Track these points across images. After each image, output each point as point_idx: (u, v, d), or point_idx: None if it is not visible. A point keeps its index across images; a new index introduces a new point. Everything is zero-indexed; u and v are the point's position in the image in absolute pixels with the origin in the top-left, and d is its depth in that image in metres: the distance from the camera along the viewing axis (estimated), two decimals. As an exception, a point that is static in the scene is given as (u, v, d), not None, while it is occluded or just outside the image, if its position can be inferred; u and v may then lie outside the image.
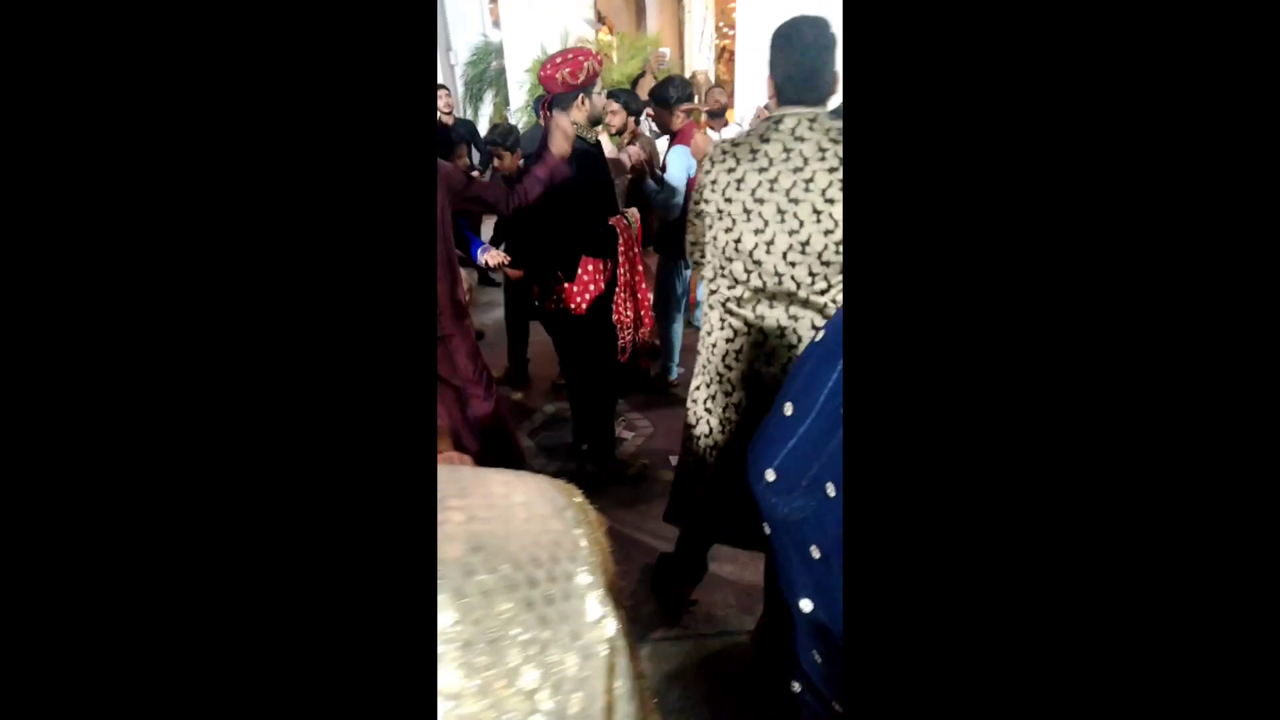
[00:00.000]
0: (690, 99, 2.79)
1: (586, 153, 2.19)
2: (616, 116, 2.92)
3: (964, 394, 0.35)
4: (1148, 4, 0.31)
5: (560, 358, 2.42)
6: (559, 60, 2.16)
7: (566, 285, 2.23)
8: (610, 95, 2.91)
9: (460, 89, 5.84)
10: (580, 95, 2.17)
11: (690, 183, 2.60)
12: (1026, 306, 0.33)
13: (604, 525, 0.44)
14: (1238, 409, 0.29)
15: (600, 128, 2.39)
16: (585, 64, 2.13)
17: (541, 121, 2.29)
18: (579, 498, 0.44)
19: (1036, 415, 0.33)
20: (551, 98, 2.21)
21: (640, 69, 4.86)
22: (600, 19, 11.33)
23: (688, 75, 6.69)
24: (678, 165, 2.62)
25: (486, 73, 5.55)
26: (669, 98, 2.74)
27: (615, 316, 2.25)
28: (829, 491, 0.70)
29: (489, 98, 5.36)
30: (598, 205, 2.21)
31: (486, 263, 2.33)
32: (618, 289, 2.24)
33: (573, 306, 2.26)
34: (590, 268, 2.21)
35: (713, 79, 6.19)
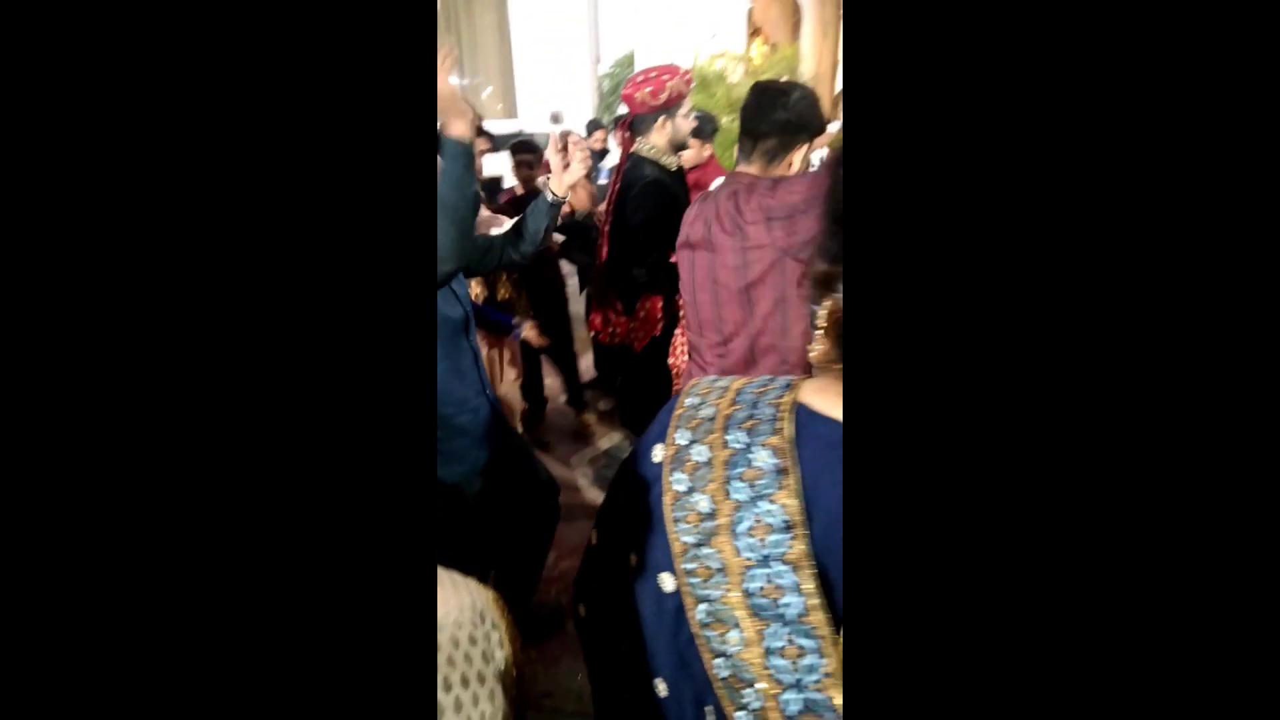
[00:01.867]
0: (709, 134, 2.79)
1: (659, 181, 2.01)
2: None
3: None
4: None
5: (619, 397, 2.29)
6: (640, 79, 2.00)
7: (624, 320, 2.07)
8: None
9: (597, 101, 5.87)
10: (662, 117, 2.00)
11: None
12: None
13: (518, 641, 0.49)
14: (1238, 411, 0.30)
15: (684, 153, 2.20)
16: (669, 83, 1.96)
17: (619, 144, 2.14)
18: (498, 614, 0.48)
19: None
20: (632, 118, 2.06)
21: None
22: (755, 30, 11.11)
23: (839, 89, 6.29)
24: None
25: (620, 86, 5.55)
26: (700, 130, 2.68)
27: (671, 359, 2.05)
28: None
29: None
30: (665, 238, 2.02)
31: (525, 338, 2.21)
32: (676, 330, 2.04)
33: (633, 344, 2.09)
34: (649, 305, 2.03)
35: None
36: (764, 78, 4.88)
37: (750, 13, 10.44)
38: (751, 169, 1.39)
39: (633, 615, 0.53)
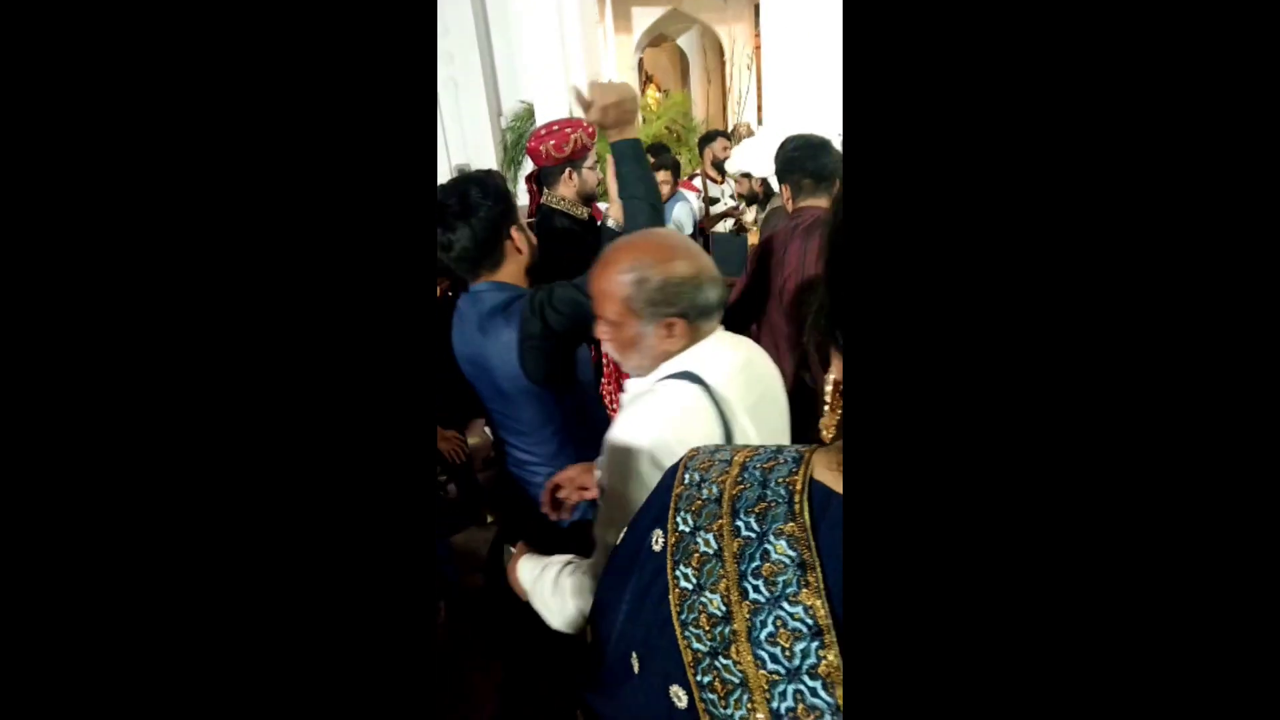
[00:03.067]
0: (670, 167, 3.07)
1: (571, 231, 2.00)
2: (665, 185, 2.89)
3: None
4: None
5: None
6: (544, 132, 1.99)
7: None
8: (658, 164, 2.90)
9: (500, 154, 5.86)
10: (568, 169, 2.00)
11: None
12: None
13: None
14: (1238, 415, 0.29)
15: (599, 203, 2.20)
16: (573, 136, 1.96)
17: (527, 198, 2.12)
18: None
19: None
20: (538, 171, 2.05)
21: (663, 130, 4.74)
22: (649, 78, 11.59)
23: (729, 130, 6.60)
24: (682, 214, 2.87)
25: (524, 139, 5.58)
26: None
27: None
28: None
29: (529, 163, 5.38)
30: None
31: None
32: (603, 379, 2.00)
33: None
34: (573, 356, 1.99)
35: (755, 133, 6.06)
36: (658, 123, 5.07)
37: (641, 62, 10.89)
38: (820, 202, 1.75)
39: None
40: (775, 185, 2.95)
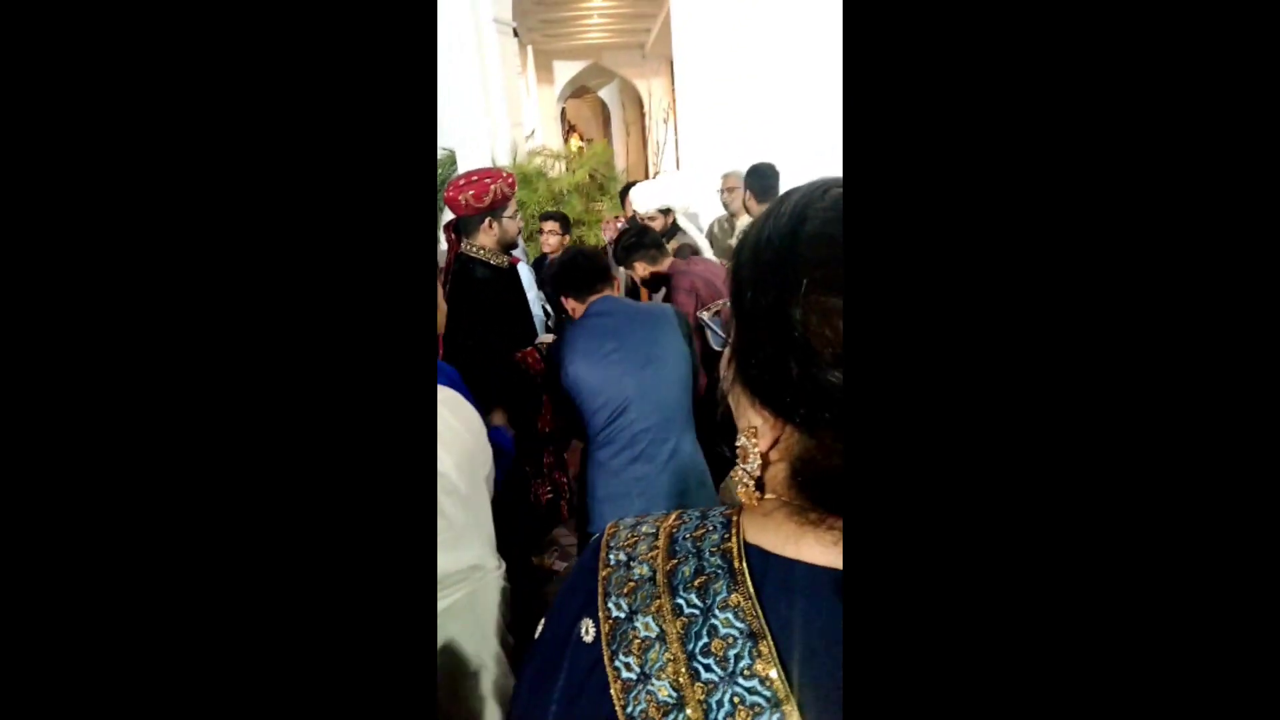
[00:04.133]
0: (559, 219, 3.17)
1: (489, 281, 1.97)
2: (552, 236, 2.86)
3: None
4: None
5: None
6: (463, 181, 1.98)
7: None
8: (544, 217, 2.87)
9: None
10: (487, 219, 1.98)
11: None
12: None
13: None
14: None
15: (516, 252, 2.20)
16: (492, 186, 1.96)
17: (445, 245, 2.09)
18: None
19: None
20: (457, 221, 2.02)
21: (585, 178, 4.84)
22: (571, 127, 11.85)
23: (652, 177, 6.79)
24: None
25: (444, 186, 5.53)
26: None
27: (526, 465, 1.96)
28: None
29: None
30: (502, 337, 1.96)
31: None
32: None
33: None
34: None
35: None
36: (581, 172, 5.16)
37: (564, 112, 11.14)
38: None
39: None
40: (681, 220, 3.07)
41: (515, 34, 6.47)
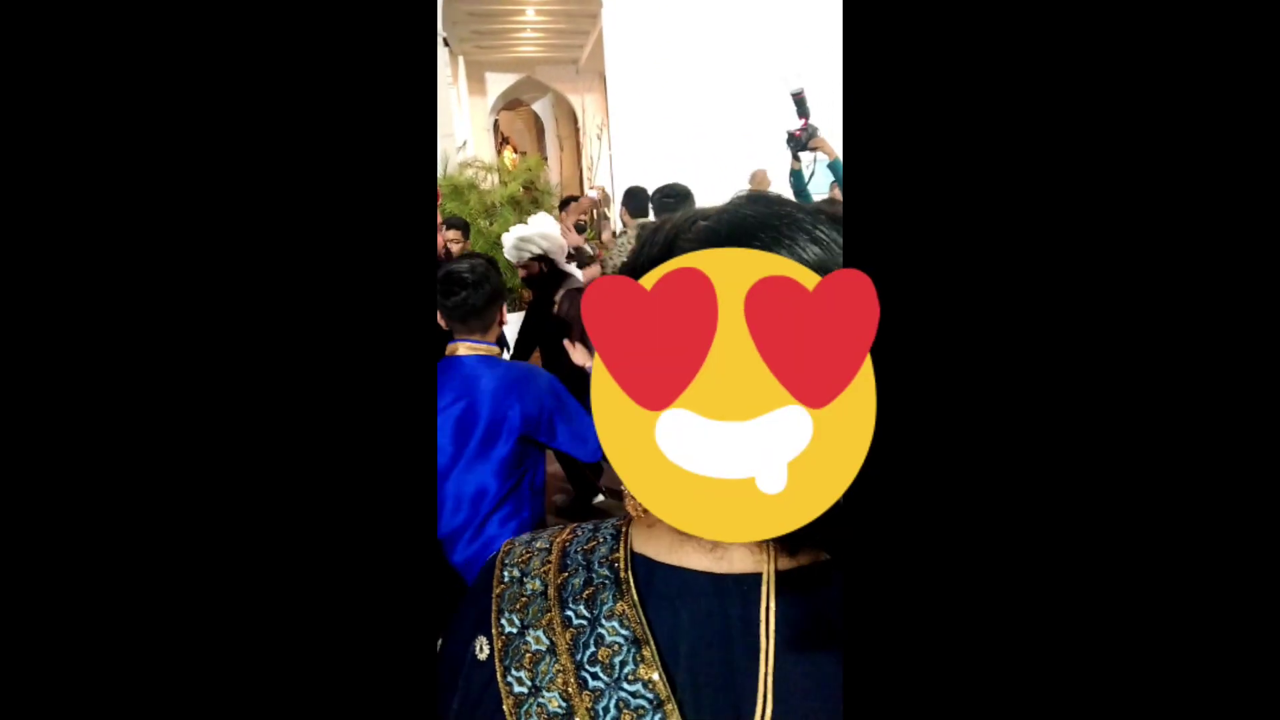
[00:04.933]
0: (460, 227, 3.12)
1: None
2: (455, 244, 2.80)
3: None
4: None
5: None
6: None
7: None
8: (447, 223, 2.80)
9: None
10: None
11: None
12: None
13: None
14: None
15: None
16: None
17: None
18: None
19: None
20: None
21: (519, 190, 4.78)
22: (505, 139, 11.75)
23: (589, 192, 6.78)
24: None
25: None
26: None
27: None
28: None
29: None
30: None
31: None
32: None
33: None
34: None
35: (611, 194, 6.33)
36: (514, 184, 5.09)
37: (496, 123, 11.04)
38: None
39: None
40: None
41: (445, 44, 6.36)
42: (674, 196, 2.48)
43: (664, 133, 4.90)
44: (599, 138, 8.73)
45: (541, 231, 2.65)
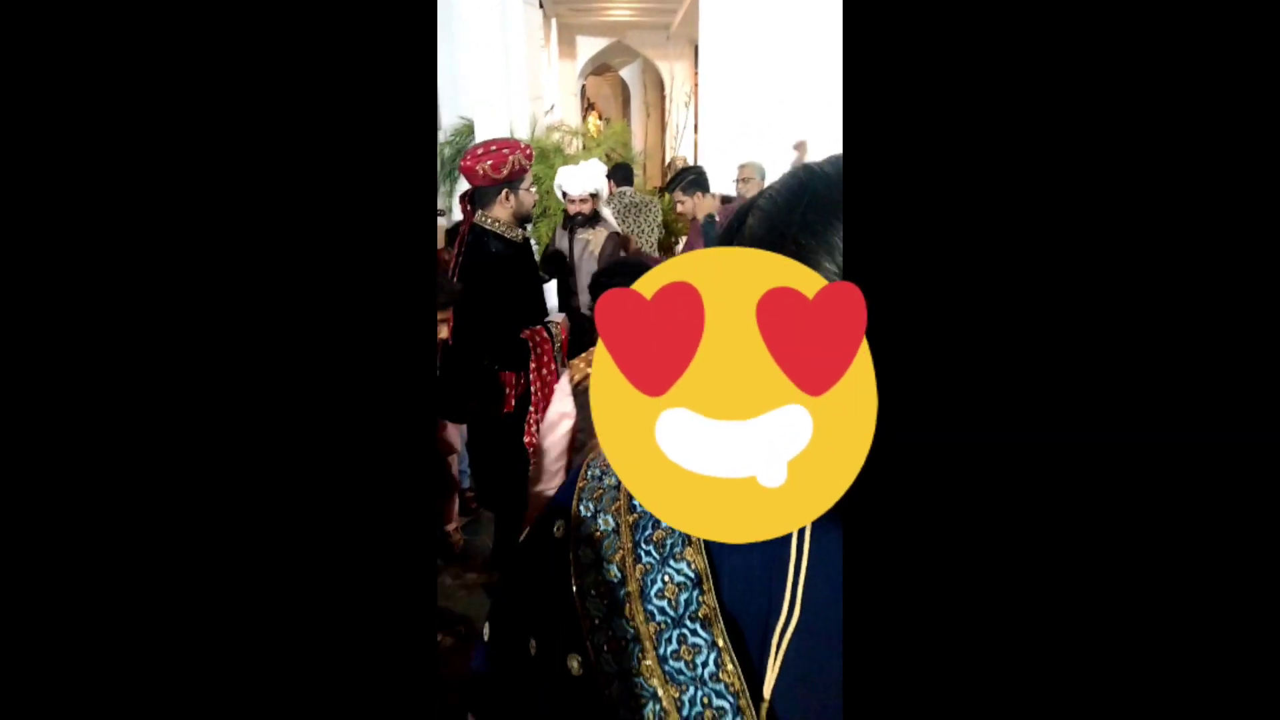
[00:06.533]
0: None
1: (503, 255, 1.96)
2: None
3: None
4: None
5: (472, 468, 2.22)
6: (480, 151, 1.96)
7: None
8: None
9: (437, 169, 5.71)
10: (504, 190, 1.97)
11: None
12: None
13: None
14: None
15: (529, 227, 2.18)
16: (510, 157, 1.94)
17: (462, 216, 2.07)
18: None
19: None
20: (472, 192, 2.01)
21: (603, 157, 4.79)
22: (590, 105, 11.72)
23: (668, 162, 6.72)
24: None
25: (461, 155, 5.45)
26: None
27: (526, 438, 1.96)
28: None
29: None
30: (512, 314, 1.95)
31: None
32: (530, 408, 1.96)
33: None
34: (499, 382, 1.94)
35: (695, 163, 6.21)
36: (598, 150, 5.09)
37: (584, 89, 11.02)
38: None
39: (534, 710, 0.50)
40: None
41: (540, 5, 6.37)
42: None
43: (752, 105, 4.79)
44: (686, 105, 8.60)
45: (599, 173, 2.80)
